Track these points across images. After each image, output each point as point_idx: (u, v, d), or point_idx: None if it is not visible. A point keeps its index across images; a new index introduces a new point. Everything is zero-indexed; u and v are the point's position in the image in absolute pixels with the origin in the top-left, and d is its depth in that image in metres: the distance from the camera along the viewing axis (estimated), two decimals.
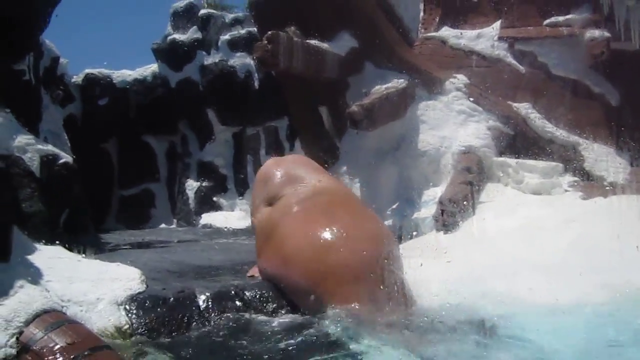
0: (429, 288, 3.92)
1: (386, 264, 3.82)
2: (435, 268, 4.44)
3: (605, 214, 5.79)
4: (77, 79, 13.12)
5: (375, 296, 3.67)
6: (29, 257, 3.78)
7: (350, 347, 3.14)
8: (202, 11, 12.95)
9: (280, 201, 4.42)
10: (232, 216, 11.86)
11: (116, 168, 13.36)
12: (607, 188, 7.39)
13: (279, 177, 4.58)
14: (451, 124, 8.38)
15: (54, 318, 3.13)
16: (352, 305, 3.65)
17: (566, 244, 4.82)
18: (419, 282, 3.96)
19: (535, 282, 3.92)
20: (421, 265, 4.19)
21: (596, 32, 8.83)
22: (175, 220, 12.86)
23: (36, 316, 3.09)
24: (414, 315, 3.59)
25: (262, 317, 3.85)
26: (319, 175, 4.65)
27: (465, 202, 6.85)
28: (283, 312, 3.96)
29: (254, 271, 4.72)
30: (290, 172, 4.61)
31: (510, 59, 9.36)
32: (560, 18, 9.16)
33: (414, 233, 6.72)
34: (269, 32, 7.54)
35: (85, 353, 2.87)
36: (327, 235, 3.95)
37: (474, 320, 3.34)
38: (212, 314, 3.81)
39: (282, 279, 4.13)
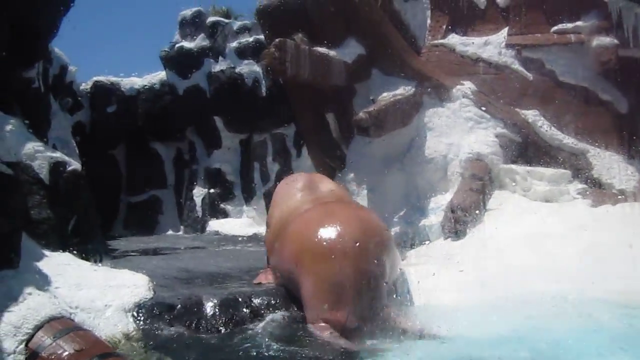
0: (441, 296, 3.90)
1: (377, 250, 3.80)
2: (446, 276, 4.41)
3: (616, 221, 5.74)
4: (86, 86, 13.21)
5: (356, 283, 3.63)
6: (38, 263, 3.79)
7: (358, 355, 3.12)
8: (210, 19, 13.01)
9: (295, 202, 4.57)
10: (239, 223, 11.84)
11: (124, 175, 13.42)
12: (620, 196, 7.33)
13: (299, 187, 4.76)
14: (458, 131, 8.36)
15: (62, 325, 3.13)
16: (321, 286, 3.66)
17: (577, 252, 4.79)
18: (431, 290, 3.94)
19: (548, 291, 3.89)
20: (434, 274, 4.17)
21: (604, 39, 8.79)
22: (182, 227, 12.87)
23: (45, 323, 3.09)
24: (426, 324, 3.56)
25: (269, 324, 3.83)
26: (334, 186, 4.88)
27: (477, 211, 6.82)
28: (291, 319, 3.94)
29: (261, 278, 4.75)
30: (309, 181, 4.82)
31: (517, 66, 9.33)
32: (568, 25, 9.12)
33: (427, 242, 6.69)
34: (277, 40, 7.58)
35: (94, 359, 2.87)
36: (317, 218, 4.04)
37: (485, 328, 3.32)
38: (220, 321, 3.80)
39: (279, 266, 4.29)
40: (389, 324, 3.60)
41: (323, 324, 3.59)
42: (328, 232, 3.86)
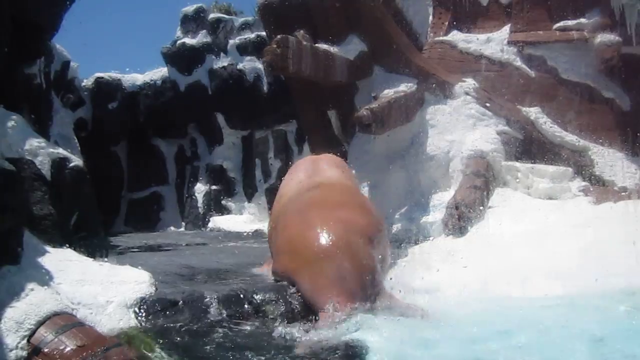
0: (444, 292, 3.90)
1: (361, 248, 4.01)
2: (449, 273, 4.41)
3: (618, 219, 5.73)
4: (88, 82, 13.21)
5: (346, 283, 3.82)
6: (40, 259, 3.78)
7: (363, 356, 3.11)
8: (212, 15, 13.01)
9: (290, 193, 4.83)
10: (241, 220, 11.86)
11: (125, 171, 13.43)
12: (622, 193, 7.33)
13: (298, 177, 5.03)
14: (460, 128, 8.34)
15: (64, 320, 3.13)
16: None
17: (579, 249, 4.77)
18: (435, 286, 3.94)
19: (550, 288, 3.89)
20: (437, 270, 4.19)
21: (607, 37, 8.77)
22: (183, 224, 12.90)
23: (47, 318, 3.09)
24: (429, 321, 3.56)
25: (271, 321, 3.83)
26: (338, 172, 5.10)
27: (480, 208, 6.82)
28: (293, 315, 3.95)
29: (261, 269, 4.84)
30: (309, 168, 5.11)
31: (519, 63, 9.31)
32: (571, 22, 9.10)
33: (431, 238, 6.69)
34: (278, 36, 7.55)
35: (96, 355, 2.87)
36: (300, 230, 4.29)
37: (489, 326, 3.31)
38: (221, 317, 3.80)
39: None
40: (389, 303, 3.84)
41: (332, 312, 3.71)
42: (316, 239, 4.10)
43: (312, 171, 5.10)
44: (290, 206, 4.69)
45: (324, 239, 4.06)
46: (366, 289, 3.83)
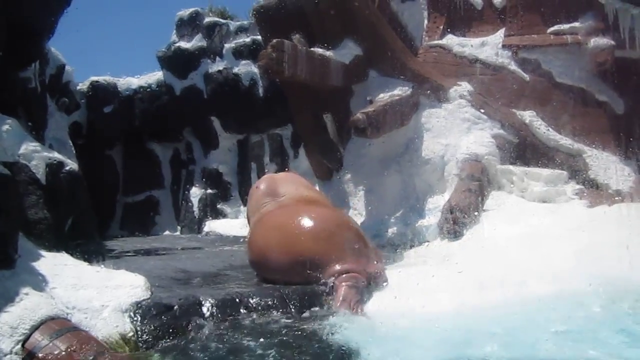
0: (440, 297, 3.91)
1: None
2: (445, 277, 4.42)
3: (612, 222, 5.74)
4: (83, 86, 13.21)
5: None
6: (34, 264, 3.77)
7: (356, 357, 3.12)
8: (207, 19, 13.04)
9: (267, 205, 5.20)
10: (236, 224, 11.84)
11: (121, 175, 13.41)
12: (616, 197, 7.35)
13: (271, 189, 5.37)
14: (455, 132, 8.36)
15: (59, 325, 3.12)
16: None
17: (574, 252, 4.78)
18: (430, 291, 3.95)
19: (545, 291, 3.90)
20: (433, 276, 4.21)
21: (601, 40, 8.82)
22: (179, 228, 12.87)
23: (41, 323, 3.08)
24: (422, 325, 3.57)
25: (266, 324, 3.83)
26: (304, 189, 5.38)
27: (475, 212, 6.83)
28: (288, 319, 3.94)
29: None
30: (278, 185, 5.39)
31: (514, 67, 9.35)
32: (565, 26, 9.15)
33: (426, 243, 6.70)
34: (274, 40, 7.56)
35: (90, 359, 2.86)
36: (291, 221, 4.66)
37: (484, 329, 3.32)
38: (217, 321, 3.80)
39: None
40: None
41: (351, 275, 4.11)
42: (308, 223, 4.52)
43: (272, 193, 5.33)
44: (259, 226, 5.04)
45: (314, 220, 4.47)
46: (367, 249, 4.39)
